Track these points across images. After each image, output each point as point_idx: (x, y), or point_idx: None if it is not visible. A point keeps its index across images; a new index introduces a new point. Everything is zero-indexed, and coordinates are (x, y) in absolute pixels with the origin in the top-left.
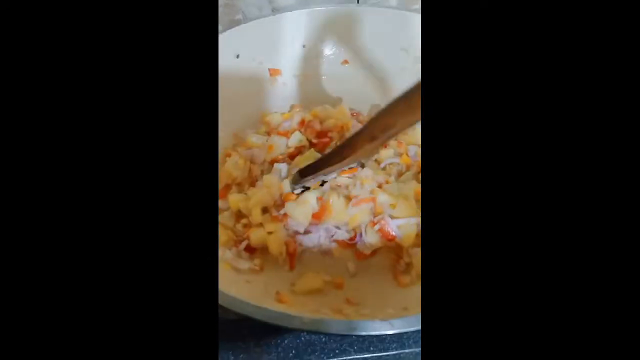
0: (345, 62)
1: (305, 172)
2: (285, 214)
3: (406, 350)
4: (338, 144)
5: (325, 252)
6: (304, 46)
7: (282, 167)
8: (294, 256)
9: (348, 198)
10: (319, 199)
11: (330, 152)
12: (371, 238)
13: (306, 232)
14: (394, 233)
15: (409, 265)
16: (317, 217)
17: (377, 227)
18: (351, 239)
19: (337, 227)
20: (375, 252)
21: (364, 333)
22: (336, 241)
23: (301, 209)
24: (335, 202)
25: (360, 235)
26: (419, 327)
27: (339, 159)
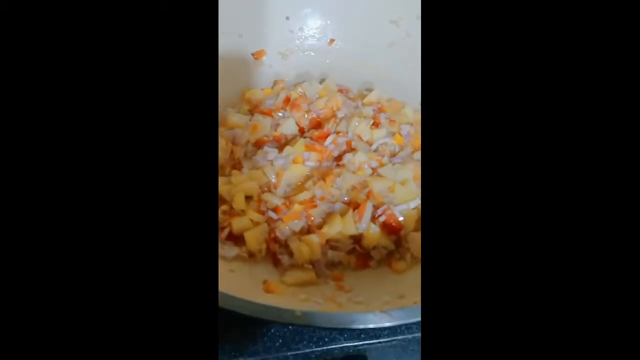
0: (332, 41)
1: None
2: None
3: (398, 337)
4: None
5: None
6: (287, 18)
7: (270, 151)
8: (275, 255)
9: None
10: None
11: None
12: (373, 232)
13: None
14: (400, 218)
15: (405, 250)
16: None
17: (382, 218)
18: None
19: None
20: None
21: (361, 326)
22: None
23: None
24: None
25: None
26: (418, 319)
27: None
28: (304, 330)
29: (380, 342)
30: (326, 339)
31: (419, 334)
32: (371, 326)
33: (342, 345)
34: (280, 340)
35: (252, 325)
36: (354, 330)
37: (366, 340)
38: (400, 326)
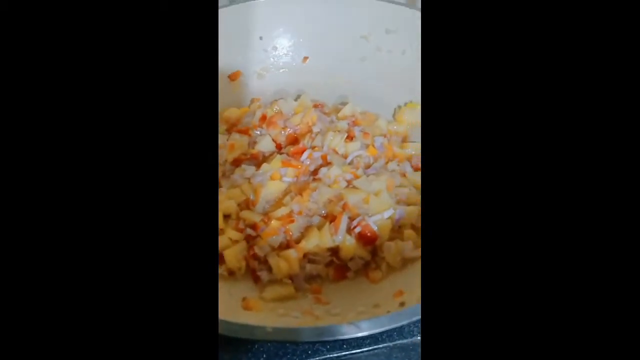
0: (306, 59)
1: None
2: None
3: (380, 346)
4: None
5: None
6: (261, 38)
7: (248, 169)
8: (255, 271)
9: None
10: None
11: None
12: (349, 243)
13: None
14: (375, 229)
15: (380, 260)
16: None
17: (357, 229)
18: (329, 262)
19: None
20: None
21: (331, 338)
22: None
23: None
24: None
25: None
26: (387, 327)
27: None
28: (287, 343)
29: (362, 352)
30: (309, 352)
31: (401, 341)
32: (340, 338)
33: (326, 356)
34: (264, 355)
35: (236, 341)
36: (336, 341)
37: (349, 350)
38: (381, 334)
